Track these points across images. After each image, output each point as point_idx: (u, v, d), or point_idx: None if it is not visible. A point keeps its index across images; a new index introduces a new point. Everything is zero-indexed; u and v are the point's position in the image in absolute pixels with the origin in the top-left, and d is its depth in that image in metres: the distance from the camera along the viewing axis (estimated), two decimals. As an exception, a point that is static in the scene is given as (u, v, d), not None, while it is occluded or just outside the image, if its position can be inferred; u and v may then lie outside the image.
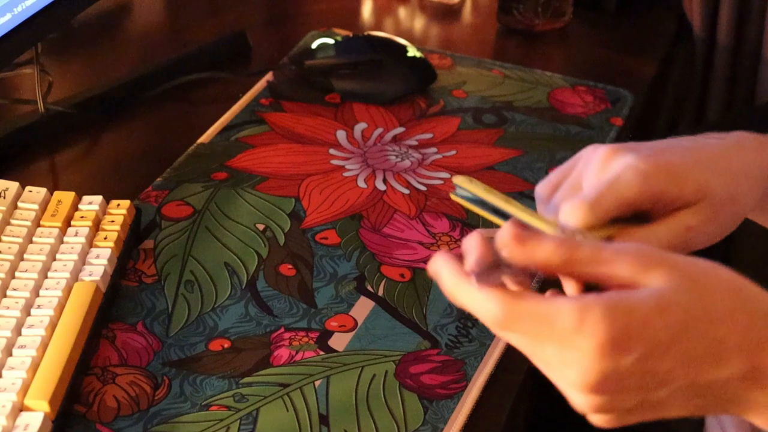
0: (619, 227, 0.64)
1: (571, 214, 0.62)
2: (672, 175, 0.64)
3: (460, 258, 0.57)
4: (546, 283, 0.62)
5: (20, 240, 0.80)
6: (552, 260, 0.55)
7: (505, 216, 0.63)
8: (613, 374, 0.53)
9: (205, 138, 0.99)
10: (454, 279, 0.56)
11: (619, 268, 0.54)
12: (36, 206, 0.83)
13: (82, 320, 0.74)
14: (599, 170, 0.64)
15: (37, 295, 0.76)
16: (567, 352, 0.53)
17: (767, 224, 0.76)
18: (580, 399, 0.55)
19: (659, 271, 0.54)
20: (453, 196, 0.65)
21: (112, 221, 0.84)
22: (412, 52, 1.07)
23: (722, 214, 0.65)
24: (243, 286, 0.82)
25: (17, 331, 0.73)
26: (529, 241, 0.55)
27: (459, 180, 0.65)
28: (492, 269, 0.55)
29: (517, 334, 0.55)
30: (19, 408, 0.68)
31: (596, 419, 0.56)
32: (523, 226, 0.56)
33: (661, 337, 0.53)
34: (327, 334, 0.79)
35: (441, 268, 0.56)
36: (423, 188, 0.93)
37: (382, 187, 0.93)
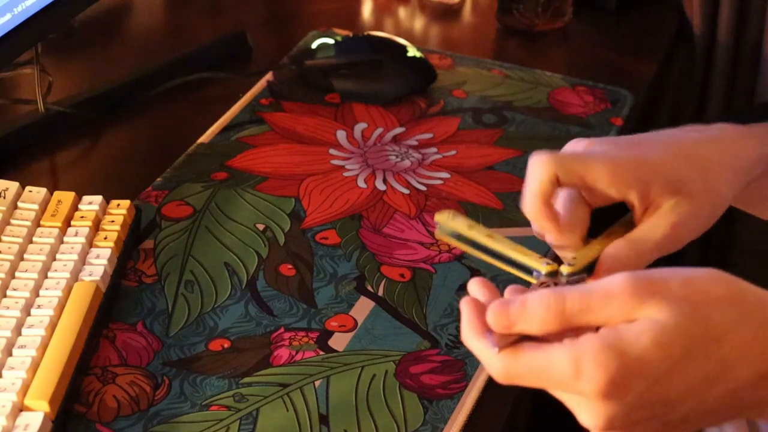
0: (604, 242, 0.64)
1: (537, 169, 0.62)
2: (644, 167, 0.63)
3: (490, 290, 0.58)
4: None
5: (20, 240, 0.80)
6: (545, 327, 0.55)
7: (489, 252, 0.62)
8: (620, 412, 0.53)
9: (205, 138, 0.99)
10: (466, 329, 0.57)
11: (611, 312, 0.53)
12: (36, 206, 0.83)
13: (82, 320, 0.74)
14: None
15: (37, 295, 0.76)
16: (573, 396, 0.54)
17: (753, 212, 0.76)
18: None
19: (653, 302, 0.53)
20: (437, 234, 0.64)
21: (112, 221, 0.84)
22: (412, 52, 1.07)
23: (704, 206, 0.65)
24: (243, 286, 0.82)
25: (17, 331, 0.73)
26: (517, 321, 0.55)
27: (440, 218, 0.63)
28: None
29: (524, 384, 0.55)
30: (19, 408, 0.68)
31: None
32: (504, 302, 0.56)
33: (662, 368, 0.52)
34: (327, 334, 0.79)
35: (462, 313, 0.57)
36: (423, 188, 0.93)
37: (382, 187, 0.93)
